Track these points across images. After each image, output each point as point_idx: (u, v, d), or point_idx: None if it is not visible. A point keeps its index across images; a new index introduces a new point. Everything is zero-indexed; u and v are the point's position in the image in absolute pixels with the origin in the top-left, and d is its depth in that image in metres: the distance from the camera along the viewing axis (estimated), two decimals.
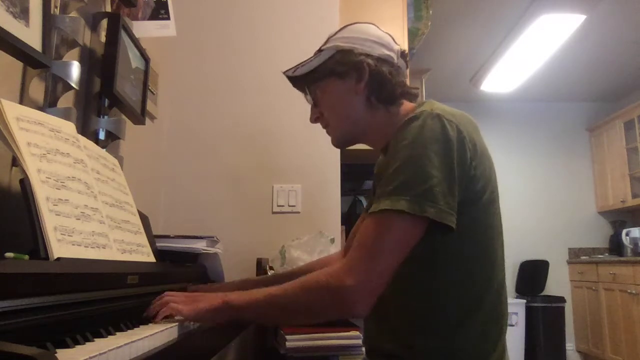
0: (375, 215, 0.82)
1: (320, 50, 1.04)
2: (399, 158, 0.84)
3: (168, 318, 0.84)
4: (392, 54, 1.00)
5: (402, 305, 0.93)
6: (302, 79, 1.05)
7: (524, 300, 4.37)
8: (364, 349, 1.46)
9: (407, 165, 0.83)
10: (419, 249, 0.88)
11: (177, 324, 0.80)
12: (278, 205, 1.94)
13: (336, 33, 1.03)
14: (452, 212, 0.82)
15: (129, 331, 0.70)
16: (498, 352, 0.89)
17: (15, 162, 0.86)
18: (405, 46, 2.24)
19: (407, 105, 1.02)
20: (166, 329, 0.74)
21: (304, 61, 1.04)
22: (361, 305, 0.79)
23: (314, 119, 1.09)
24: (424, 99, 2.69)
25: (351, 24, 1.04)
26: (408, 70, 1.05)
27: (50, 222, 0.69)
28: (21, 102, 0.96)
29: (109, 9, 1.32)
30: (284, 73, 1.08)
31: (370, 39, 1.00)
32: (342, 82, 1.00)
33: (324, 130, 1.10)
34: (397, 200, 0.80)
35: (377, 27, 1.03)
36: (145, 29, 1.45)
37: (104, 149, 1.11)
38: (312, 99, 1.06)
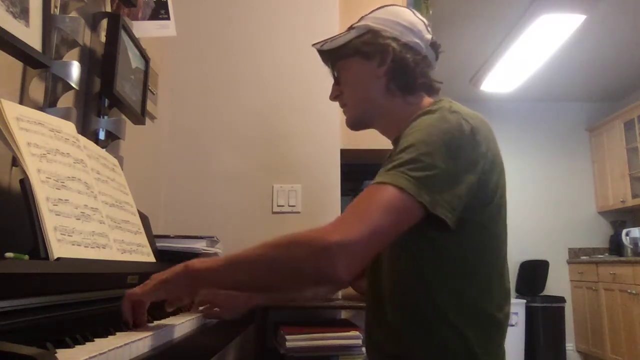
0: (373, 186, 0.78)
1: (351, 28, 1.02)
2: (408, 140, 0.82)
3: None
4: (421, 42, 0.98)
5: (403, 306, 0.91)
6: (328, 54, 1.04)
7: (524, 300, 4.36)
8: (364, 349, 1.46)
9: (415, 148, 0.79)
10: (421, 250, 0.86)
11: (176, 324, 0.80)
12: (278, 205, 1.94)
13: (371, 12, 1.01)
14: (447, 207, 0.78)
15: (129, 331, 0.70)
16: (498, 357, 0.89)
17: (15, 162, 0.86)
18: None
19: (426, 99, 0.99)
20: (166, 329, 0.74)
21: (334, 36, 1.03)
22: (343, 266, 0.69)
23: (333, 97, 1.06)
24: None
25: (388, 5, 1.02)
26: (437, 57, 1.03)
27: (50, 222, 0.69)
28: (21, 102, 0.96)
29: (109, 9, 1.32)
30: (313, 45, 1.06)
31: (402, 23, 0.97)
32: (366, 63, 0.98)
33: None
34: (397, 176, 0.76)
35: (414, 12, 1.01)
36: (145, 29, 1.45)
37: (104, 149, 1.11)
38: (335, 76, 1.05)
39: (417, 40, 0.97)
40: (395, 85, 0.97)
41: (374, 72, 0.97)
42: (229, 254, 0.80)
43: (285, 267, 0.75)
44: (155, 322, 0.82)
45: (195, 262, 0.79)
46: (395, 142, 1.00)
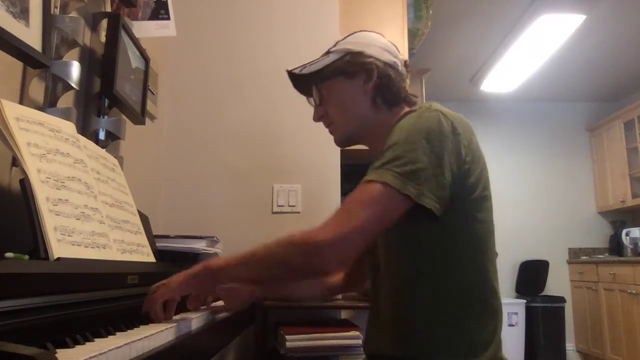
0: (360, 185, 0.85)
1: (328, 52, 1.07)
2: (392, 139, 0.87)
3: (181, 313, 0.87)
4: (397, 61, 1.06)
5: (397, 300, 0.94)
6: (308, 78, 1.07)
7: (524, 300, 4.36)
8: (363, 348, 1.46)
9: (398, 146, 0.85)
10: (411, 244, 0.90)
11: (176, 324, 0.80)
12: (278, 205, 1.94)
13: (345, 38, 1.08)
14: (434, 198, 0.83)
15: (129, 331, 0.70)
16: (494, 346, 0.90)
17: (15, 162, 0.86)
18: (405, 46, 2.24)
19: (407, 109, 1.04)
20: (166, 328, 0.74)
21: (312, 61, 1.07)
22: (330, 261, 0.80)
23: (317, 118, 1.11)
24: (424, 99, 2.70)
25: (359, 31, 1.08)
26: (409, 75, 1.11)
27: (50, 222, 0.69)
28: (21, 102, 0.96)
29: (109, 9, 1.32)
30: (290, 71, 1.09)
31: (379, 45, 1.05)
32: (351, 82, 1.03)
33: (325, 130, 1.12)
34: (382, 173, 0.83)
35: (383, 36, 1.09)
36: (145, 29, 1.45)
37: (104, 149, 1.11)
38: (318, 97, 1.08)
39: (394, 59, 1.05)
40: (381, 100, 1.04)
41: (360, 89, 1.03)
42: (242, 252, 0.90)
43: (284, 264, 0.85)
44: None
45: (212, 261, 0.91)
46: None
